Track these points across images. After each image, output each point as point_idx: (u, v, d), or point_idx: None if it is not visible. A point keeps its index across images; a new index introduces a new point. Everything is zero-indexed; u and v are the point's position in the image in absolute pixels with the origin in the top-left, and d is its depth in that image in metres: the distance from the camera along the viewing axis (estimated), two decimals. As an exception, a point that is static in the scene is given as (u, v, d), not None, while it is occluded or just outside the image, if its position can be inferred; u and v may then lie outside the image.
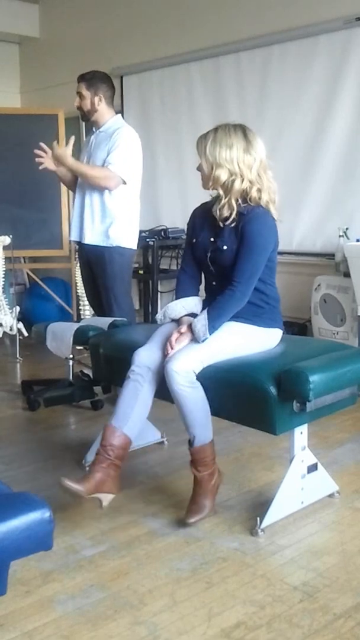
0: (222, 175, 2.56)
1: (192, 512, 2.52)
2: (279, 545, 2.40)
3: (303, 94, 4.76)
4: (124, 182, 3.72)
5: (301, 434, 2.60)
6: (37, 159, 3.85)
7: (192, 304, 2.69)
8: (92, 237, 3.84)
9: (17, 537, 1.49)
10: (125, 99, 5.97)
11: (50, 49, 6.71)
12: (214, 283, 2.73)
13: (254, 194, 2.58)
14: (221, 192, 2.59)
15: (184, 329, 2.58)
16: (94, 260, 3.89)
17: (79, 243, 3.94)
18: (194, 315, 2.65)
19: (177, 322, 2.67)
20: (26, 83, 7.08)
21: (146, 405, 2.59)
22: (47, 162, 3.86)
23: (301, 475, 2.61)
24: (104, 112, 3.85)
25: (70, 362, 4.06)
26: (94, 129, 3.96)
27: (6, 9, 6.44)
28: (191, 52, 5.39)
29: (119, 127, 3.83)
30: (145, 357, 2.59)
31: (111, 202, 3.77)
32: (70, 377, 4.10)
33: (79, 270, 4.83)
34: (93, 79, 3.83)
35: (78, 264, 4.86)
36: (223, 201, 2.58)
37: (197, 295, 2.76)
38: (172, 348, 2.53)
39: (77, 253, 4.29)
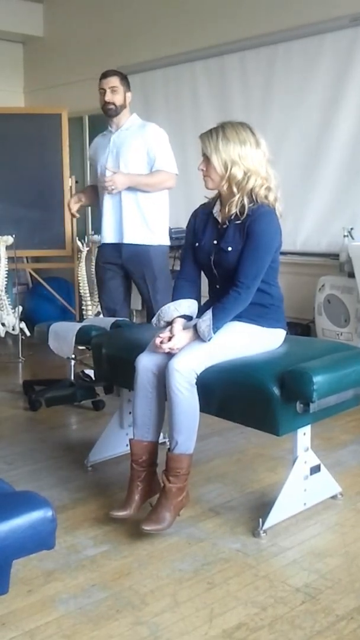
0: (238, 173, 2.52)
1: (150, 521, 2.40)
2: (281, 547, 2.39)
3: (308, 92, 4.75)
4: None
5: (304, 435, 2.59)
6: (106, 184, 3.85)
7: (184, 306, 2.65)
8: (134, 237, 3.88)
9: (20, 536, 1.49)
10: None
11: (54, 48, 6.71)
12: (217, 286, 2.69)
13: (262, 191, 2.56)
14: (235, 189, 2.55)
15: (175, 330, 2.55)
16: (136, 259, 3.91)
17: (110, 245, 3.94)
18: (187, 317, 2.63)
19: (171, 324, 2.62)
20: (30, 82, 7.08)
21: (161, 408, 2.59)
22: (74, 208, 4.25)
23: (304, 477, 2.61)
24: (127, 110, 3.93)
25: (72, 362, 4.05)
26: (110, 128, 3.96)
27: (10, 9, 6.43)
28: (195, 51, 5.38)
29: (144, 123, 3.92)
30: (147, 362, 2.58)
31: (148, 200, 3.86)
32: (72, 377, 4.10)
33: (83, 270, 4.82)
34: (124, 76, 3.92)
35: (83, 265, 4.85)
36: (235, 198, 2.54)
37: (194, 299, 2.71)
38: (161, 344, 2.51)
39: (97, 255, 4.20)
